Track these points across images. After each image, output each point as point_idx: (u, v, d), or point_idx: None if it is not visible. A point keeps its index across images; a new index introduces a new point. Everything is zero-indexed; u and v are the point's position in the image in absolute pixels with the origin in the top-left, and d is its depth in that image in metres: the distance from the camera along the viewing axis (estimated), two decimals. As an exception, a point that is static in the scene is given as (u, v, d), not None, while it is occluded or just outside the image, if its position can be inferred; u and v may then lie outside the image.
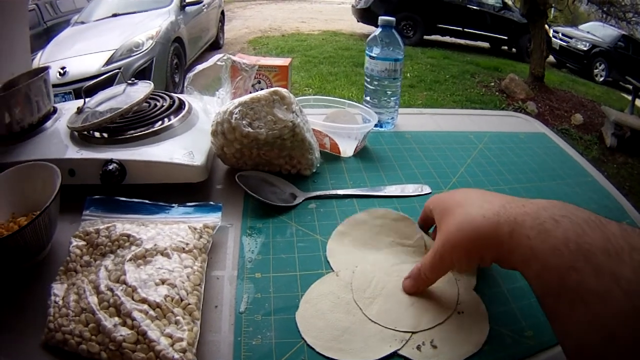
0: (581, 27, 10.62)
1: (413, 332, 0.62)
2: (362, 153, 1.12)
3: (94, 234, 0.74)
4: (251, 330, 0.64)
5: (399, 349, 0.60)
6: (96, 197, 0.83)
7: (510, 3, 9.41)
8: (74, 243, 0.73)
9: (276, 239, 0.81)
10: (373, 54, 1.19)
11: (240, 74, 1.11)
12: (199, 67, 1.09)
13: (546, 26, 8.24)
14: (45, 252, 0.77)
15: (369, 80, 1.23)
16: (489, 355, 0.62)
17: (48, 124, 1.03)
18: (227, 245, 0.80)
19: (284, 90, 0.95)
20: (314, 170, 1.02)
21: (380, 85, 1.21)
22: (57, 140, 0.98)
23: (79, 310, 0.61)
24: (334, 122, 1.11)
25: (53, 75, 4.60)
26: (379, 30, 1.20)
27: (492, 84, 7.30)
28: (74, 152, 0.92)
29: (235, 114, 0.90)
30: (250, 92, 0.96)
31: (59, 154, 0.92)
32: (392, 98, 1.23)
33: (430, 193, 0.97)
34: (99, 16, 6.50)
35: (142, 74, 5.14)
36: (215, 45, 8.33)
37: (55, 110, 1.08)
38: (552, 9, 10.13)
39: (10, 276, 0.72)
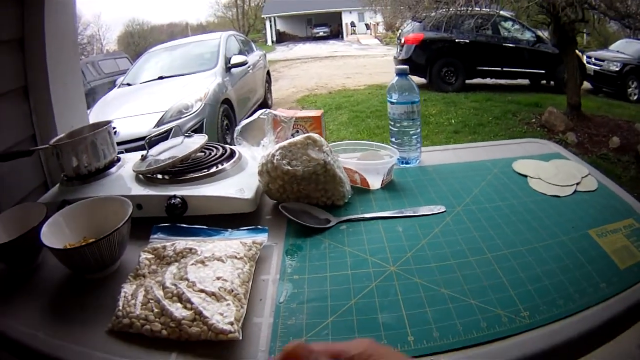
0: (611, 47, 10.27)
1: None
2: (388, 186, 1.30)
3: (161, 248, 0.95)
4: (287, 315, 0.83)
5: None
6: (161, 225, 1.05)
7: (543, 36, 9.31)
8: (143, 256, 0.95)
9: (312, 251, 1.01)
10: (393, 100, 1.39)
11: (280, 125, 1.31)
12: (245, 121, 1.31)
13: (579, 53, 8.14)
14: (115, 266, 0.98)
15: (392, 123, 1.41)
16: (486, 331, 0.78)
17: (113, 169, 1.27)
18: (272, 258, 1.00)
19: (316, 135, 1.16)
20: (346, 201, 1.20)
21: (402, 127, 1.39)
22: (123, 182, 1.22)
23: (145, 301, 0.81)
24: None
25: (104, 136, 4.87)
26: (396, 78, 1.39)
27: (534, 120, 7.32)
28: (141, 190, 1.16)
29: (277, 155, 1.12)
30: (289, 140, 1.17)
31: (127, 191, 1.16)
32: (413, 137, 1.41)
33: (444, 212, 1.14)
34: (145, 78, 6.78)
35: (193, 135, 5.29)
36: (264, 106, 8.32)
37: (119, 159, 1.32)
38: (585, 35, 9.87)
39: (82, 283, 0.95)
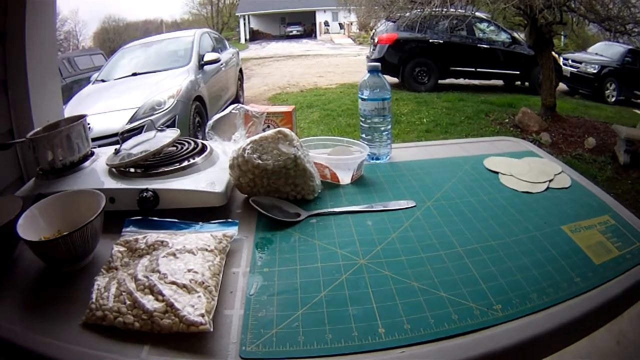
0: (589, 49, 10.44)
1: None
2: (358, 181, 1.31)
3: (133, 241, 0.95)
4: (258, 307, 0.82)
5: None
6: (134, 218, 1.05)
7: (519, 37, 9.38)
8: (116, 248, 0.94)
9: (282, 244, 1.00)
10: (364, 96, 1.39)
11: (251, 120, 1.31)
12: (217, 116, 1.30)
13: (555, 54, 8.17)
14: (89, 259, 0.97)
15: (363, 119, 1.42)
16: (458, 323, 0.78)
17: (87, 163, 1.26)
18: (242, 251, 0.99)
19: (286, 130, 1.16)
20: (316, 195, 1.20)
21: (373, 123, 1.40)
22: (96, 176, 1.21)
23: (118, 293, 0.81)
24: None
25: (77, 132, 4.83)
26: (367, 75, 1.40)
27: (507, 120, 7.38)
28: (114, 183, 1.16)
29: (247, 149, 1.12)
30: (260, 135, 1.17)
31: (100, 185, 1.15)
32: (384, 133, 1.42)
33: (414, 206, 1.14)
34: (119, 75, 6.77)
35: (165, 132, 5.28)
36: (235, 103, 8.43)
37: (92, 153, 1.31)
38: (562, 37, 9.93)
39: (58, 276, 0.94)
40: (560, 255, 0.95)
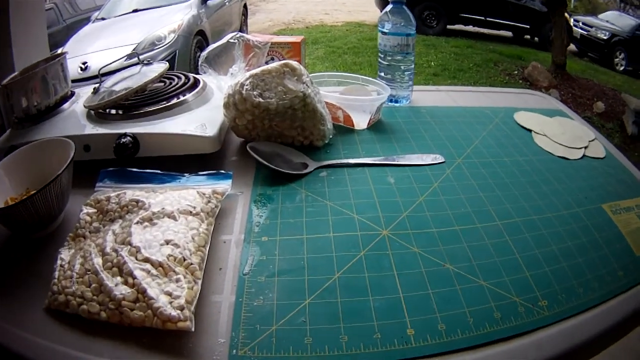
0: (600, 16, 10.37)
1: None
2: (376, 126, 1.13)
3: (105, 201, 0.77)
4: (253, 292, 0.65)
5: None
6: (110, 169, 0.86)
7: None
8: (85, 210, 0.76)
9: (285, 204, 0.82)
10: (385, 30, 1.20)
11: (253, 51, 1.12)
12: (212, 46, 1.11)
13: (567, 15, 8.12)
14: (57, 222, 0.80)
15: (382, 56, 1.23)
16: (501, 324, 0.63)
17: (65, 106, 1.07)
18: (236, 211, 0.82)
19: (294, 63, 0.97)
20: (327, 142, 1.03)
21: (394, 61, 1.21)
22: (73, 120, 1.02)
23: (82, 272, 0.64)
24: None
25: (74, 70, 4.64)
26: (390, 6, 1.20)
27: (516, 72, 7.23)
28: (89, 129, 0.97)
29: (246, 85, 0.93)
30: (263, 68, 0.99)
31: (74, 131, 0.96)
32: (406, 73, 1.23)
33: (443, 162, 0.97)
34: (120, 12, 6.58)
35: (165, 66, 5.18)
36: (236, 33, 8.40)
37: (72, 94, 1.12)
38: None
39: (22, 246, 0.76)
40: (603, 241, 0.80)
